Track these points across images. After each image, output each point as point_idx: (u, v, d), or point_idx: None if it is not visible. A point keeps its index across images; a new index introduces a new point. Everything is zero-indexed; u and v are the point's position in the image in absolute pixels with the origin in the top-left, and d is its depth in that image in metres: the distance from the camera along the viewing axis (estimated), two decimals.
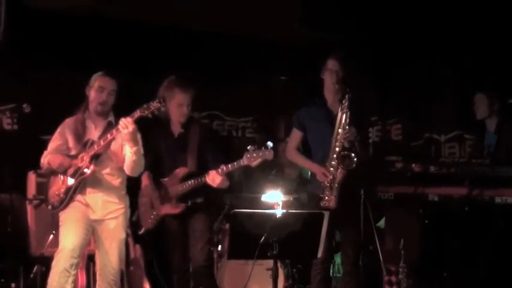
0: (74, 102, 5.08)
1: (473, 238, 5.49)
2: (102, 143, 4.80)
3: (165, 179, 5.28)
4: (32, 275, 5.80)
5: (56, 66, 6.68)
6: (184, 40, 7.07)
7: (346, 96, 5.03)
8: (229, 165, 4.98)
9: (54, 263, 4.81)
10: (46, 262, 5.26)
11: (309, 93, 5.82)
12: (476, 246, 5.50)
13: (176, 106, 5.21)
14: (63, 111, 5.16)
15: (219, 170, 5.00)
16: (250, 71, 7.36)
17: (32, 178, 6.07)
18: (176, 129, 5.33)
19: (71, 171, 4.89)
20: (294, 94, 7.51)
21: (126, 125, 4.66)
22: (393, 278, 5.73)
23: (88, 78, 5.02)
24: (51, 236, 5.55)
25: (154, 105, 4.63)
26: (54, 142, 5.04)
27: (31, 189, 6.06)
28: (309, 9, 7.03)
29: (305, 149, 5.42)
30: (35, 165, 5.78)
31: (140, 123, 5.00)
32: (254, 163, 4.93)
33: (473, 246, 5.50)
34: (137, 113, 4.68)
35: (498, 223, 5.46)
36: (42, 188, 5.92)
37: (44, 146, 5.18)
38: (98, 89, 4.92)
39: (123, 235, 4.99)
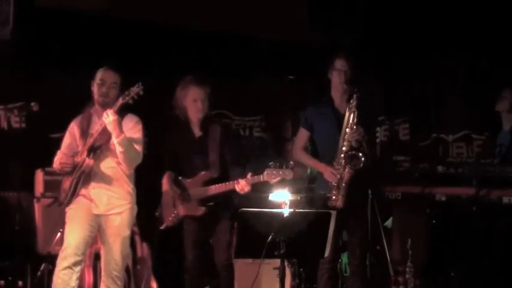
0: (82, 101, 5.10)
1: (481, 238, 5.49)
2: (95, 134, 4.83)
3: (188, 181, 5.23)
4: (39, 273, 5.82)
5: (64, 65, 6.69)
6: (194, 41, 7.07)
7: (354, 95, 5.03)
8: (255, 177, 5.01)
9: (58, 261, 4.82)
10: (53, 260, 5.25)
11: (316, 93, 5.81)
12: (484, 246, 5.49)
13: (191, 102, 5.20)
14: (71, 110, 5.18)
15: (249, 179, 5.01)
16: (257, 70, 7.34)
17: (39, 176, 6.09)
18: (196, 130, 5.30)
19: (72, 167, 4.91)
20: (301, 93, 7.50)
21: (108, 114, 4.70)
22: (400, 278, 5.73)
23: None
24: (59, 234, 5.55)
25: (134, 90, 4.67)
26: (65, 141, 5.05)
27: (39, 187, 6.09)
28: (316, 9, 7.04)
29: (312, 148, 5.41)
30: (43, 163, 5.81)
31: (159, 124, 5.01)
32: (273, 181, 4.96)
33: (480, 246, 5.50)
34: (119, 101, 4.72)
35: (505, 223, 5.45)
36: (50, 186, 5.97)
37: (51, 144, 5.19)
38: (99, 81, 4.94)
39: (127, 232, 4.97)
